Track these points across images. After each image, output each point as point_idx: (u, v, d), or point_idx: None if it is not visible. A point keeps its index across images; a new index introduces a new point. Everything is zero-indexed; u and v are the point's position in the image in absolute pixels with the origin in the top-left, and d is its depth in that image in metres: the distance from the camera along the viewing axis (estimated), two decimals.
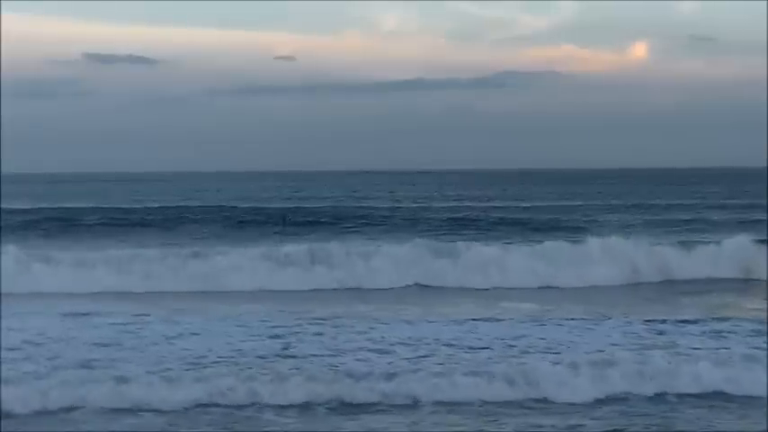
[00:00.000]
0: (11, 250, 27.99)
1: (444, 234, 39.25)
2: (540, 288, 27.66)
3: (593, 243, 30.62)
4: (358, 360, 15.86)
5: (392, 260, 29.12)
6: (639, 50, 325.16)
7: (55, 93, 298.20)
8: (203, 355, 16.11)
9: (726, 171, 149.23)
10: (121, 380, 14.04)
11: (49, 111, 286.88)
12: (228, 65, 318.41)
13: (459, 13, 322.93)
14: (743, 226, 38.20)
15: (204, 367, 15.11)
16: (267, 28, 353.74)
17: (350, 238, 35.66)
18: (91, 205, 60.55)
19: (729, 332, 18.76)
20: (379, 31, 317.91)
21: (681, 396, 14.77)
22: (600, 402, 14.43)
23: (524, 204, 65.19)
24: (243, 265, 28.34)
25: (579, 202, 66.34)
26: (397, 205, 63.38)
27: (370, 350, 16.66)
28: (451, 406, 13.98)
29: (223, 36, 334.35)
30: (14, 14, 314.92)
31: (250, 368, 14.94)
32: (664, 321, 19.95)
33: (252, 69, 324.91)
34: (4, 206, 58.86)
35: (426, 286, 27.79)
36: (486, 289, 27.24)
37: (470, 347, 17.05)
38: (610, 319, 20.53)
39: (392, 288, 27.36)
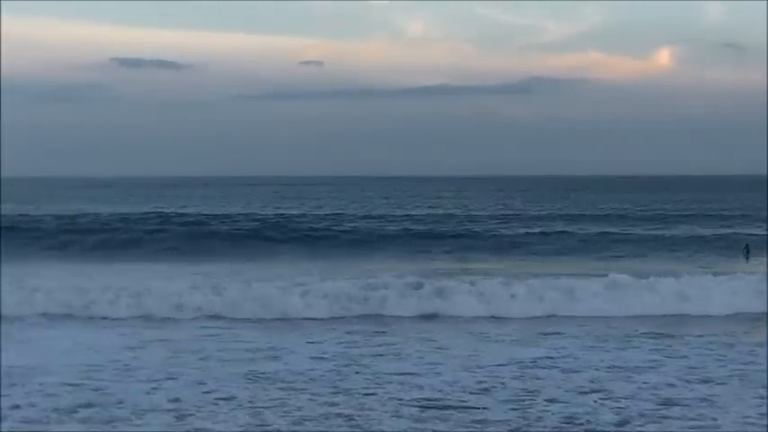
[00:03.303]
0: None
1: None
2: None
3: None
4: None
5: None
6: (665, 57, 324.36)
7: (83, 97, 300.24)
8: None
9: (754, 179, 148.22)
10: None
11: (77, 115, 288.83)
12: (255, 70, 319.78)
13: (485, 19, 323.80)
14: None
15: None
16: (293, 33, 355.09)
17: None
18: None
19: None
20: (406, 36, 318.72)
21: None
22: None
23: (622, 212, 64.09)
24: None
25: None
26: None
27: None
28: None
29: (250, 41, 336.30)
30: (42, 18, 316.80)
31: None
32: None
33: (279, 74, 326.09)
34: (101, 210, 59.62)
35: None
36: None
37: None
38: None
39: None
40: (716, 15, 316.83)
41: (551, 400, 13.84)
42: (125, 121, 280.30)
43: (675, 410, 13.37)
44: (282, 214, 59.74)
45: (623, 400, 13.91)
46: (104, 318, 22.00)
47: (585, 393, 14.31)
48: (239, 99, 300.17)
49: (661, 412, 13.23)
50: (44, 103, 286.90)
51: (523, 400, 13.84)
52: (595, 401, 13.80)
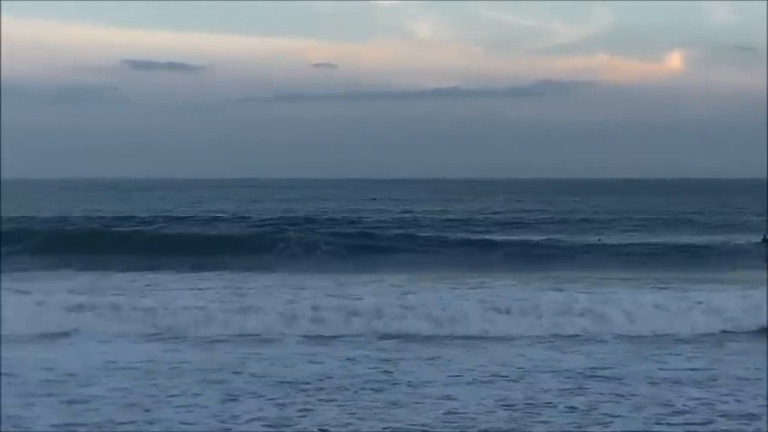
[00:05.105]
0: None
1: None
2: None
3: None
4: None
5: None
6: (675, 60, 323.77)
7: (93, 99, 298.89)
8: None
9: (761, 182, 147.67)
10: None
11: (87, 117, 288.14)
12: (266, 72, 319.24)
13: (493, 21, 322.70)
14: None
15: None
16: (304, 36, 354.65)
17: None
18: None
19: None
20: (414, 38, 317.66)
21: None
22: None
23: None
24: None
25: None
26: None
27: None
28: None
29: (260, 43, 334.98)
30: (53, 21, 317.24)
31: None
32: None
33: (289, 76, 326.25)
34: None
35: None
36: None
37: None
38: None
39: None
40: (726, 17, 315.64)
41: (606, 414, 13.45)
42: (133, 122, 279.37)
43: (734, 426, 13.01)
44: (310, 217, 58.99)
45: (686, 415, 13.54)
46: (145, 334, 20.53)
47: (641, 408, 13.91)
48: (249, 101, 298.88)
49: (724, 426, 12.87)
50: (54, 105, 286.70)
51: (575, 413, 13.48)
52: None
